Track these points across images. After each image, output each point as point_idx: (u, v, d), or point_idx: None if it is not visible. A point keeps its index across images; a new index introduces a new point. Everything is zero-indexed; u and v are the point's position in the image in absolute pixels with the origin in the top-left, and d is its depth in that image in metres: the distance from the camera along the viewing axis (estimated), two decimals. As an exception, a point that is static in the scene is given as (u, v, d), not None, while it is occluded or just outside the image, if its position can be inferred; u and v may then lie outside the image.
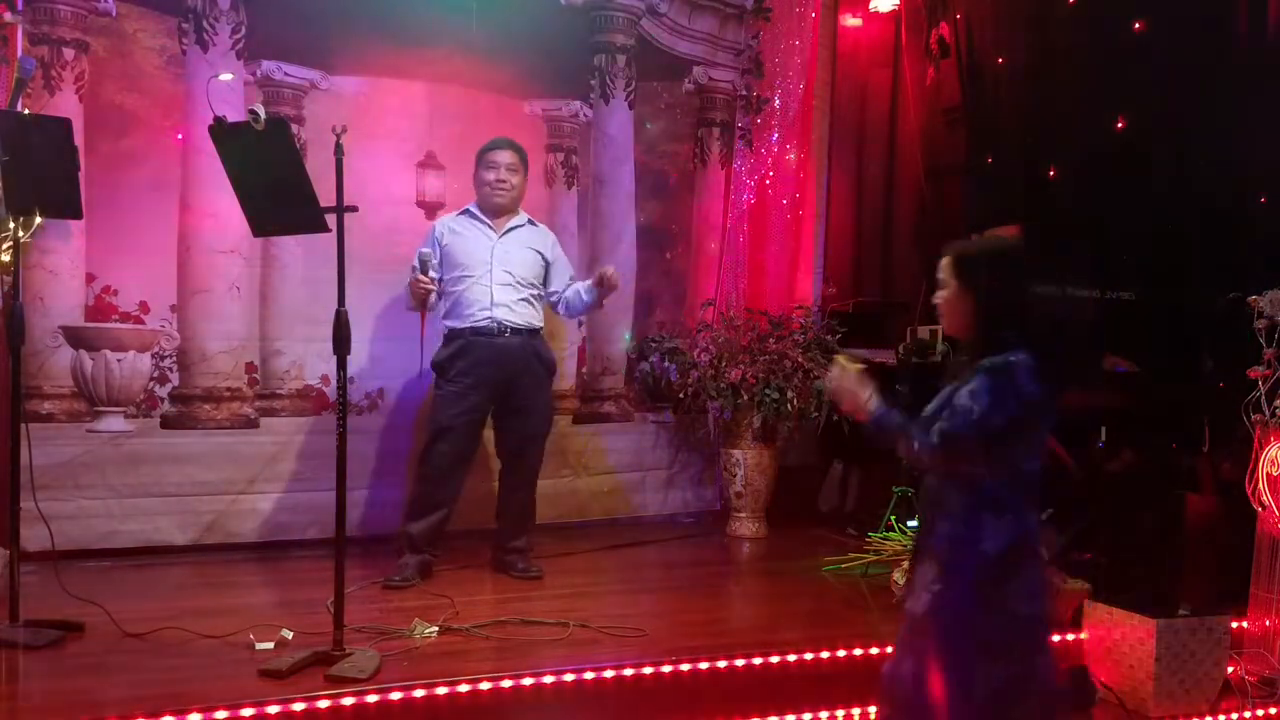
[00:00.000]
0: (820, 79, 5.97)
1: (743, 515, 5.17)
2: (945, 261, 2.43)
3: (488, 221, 4.27)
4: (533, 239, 4.33)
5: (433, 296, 4.14)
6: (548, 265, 4.34)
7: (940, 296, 2.45)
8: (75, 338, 4.32)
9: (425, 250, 4.12)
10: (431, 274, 4.08)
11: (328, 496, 3.20)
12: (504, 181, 4.25)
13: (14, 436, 3.30)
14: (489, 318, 4.15)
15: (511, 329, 4.17)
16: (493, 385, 4.16)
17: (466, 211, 4.33)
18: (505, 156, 4.27)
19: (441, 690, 2.88)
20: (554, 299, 4.39)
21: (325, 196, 3.11)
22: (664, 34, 5.52)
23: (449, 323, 4.21)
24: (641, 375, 5.40)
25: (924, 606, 2.33)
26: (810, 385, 4.97)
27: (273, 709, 2.72)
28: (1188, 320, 4.23)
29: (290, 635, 3.23)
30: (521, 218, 4.34)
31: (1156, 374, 4.35)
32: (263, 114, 3.05)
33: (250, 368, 4.64)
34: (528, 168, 4.36)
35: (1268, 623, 3.58)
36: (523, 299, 4.23)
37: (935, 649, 2.33)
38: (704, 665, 3.15)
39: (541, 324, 4.34)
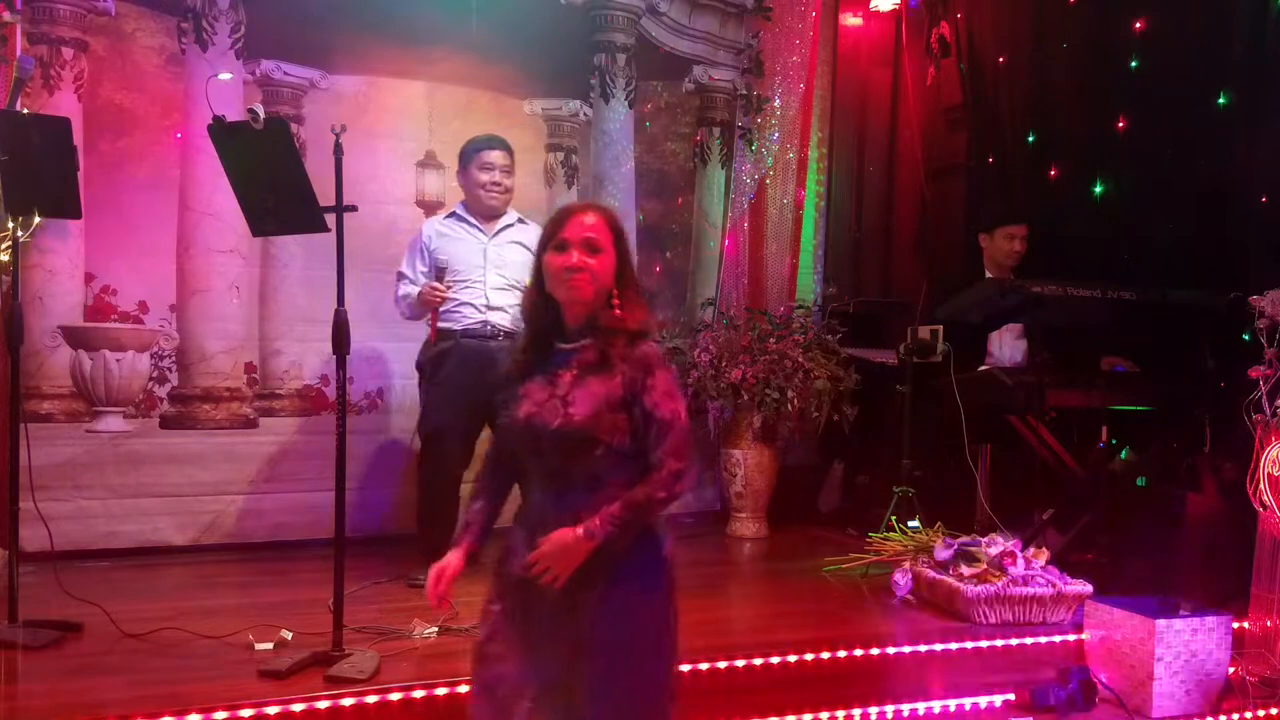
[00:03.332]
0: (821, 78, 5.97)
1: (743, 515, 5.16)
2: (595, 219, 2.13)
3: (477, 224, 4.18)
4: (523, 236, 4.21)
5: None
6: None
7: (585, 260, 2.09)
8: (74, 337, 4.31)
9: (443, 258, 4.03)
10: (447, 280, 4.00)
11: (327, 496, 3.19)
12: (499, 184, 4.15)
13: (13, 436, 3.30)
14: (482, 321, 4.08)
15: (504, 333, 4.08)
16: (484, 389, 4.05)
17: (454, 214, 4.24)
18: (501, 158, 4.16)
19: (441, 690, 2.88)
20: None
21: (324, 196, 3.10)
22: (664, 33, 5.52)
23: (440, 323, 4.10)
24: (641, 375, 5.38)
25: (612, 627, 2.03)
26: (810, 385, 4.96)
27: (272, 710, 2.71)
28: (1189, 320, 4.22)
29: (290, 636, 3.22)
30: (511, 216, 4.24)
31: (1157, 374, 4.34)
32: (262, 113, 3.05)
33: (249, 368, 4.64)
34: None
35: (1269, 623, 3.58)
36: (517, 303, 4.14)
37: (638, 669, 2.05)
38: (704, 665, 3.14)
39: None
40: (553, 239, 2.13)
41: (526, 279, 4.05)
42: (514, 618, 2.12)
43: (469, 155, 4.19)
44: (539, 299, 2.17)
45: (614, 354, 2.08)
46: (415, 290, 4.10)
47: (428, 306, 4.05)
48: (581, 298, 2.10)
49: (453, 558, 2.23)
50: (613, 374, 2.06)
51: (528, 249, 4.15)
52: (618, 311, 2.11)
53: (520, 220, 4.28)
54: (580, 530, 2.02)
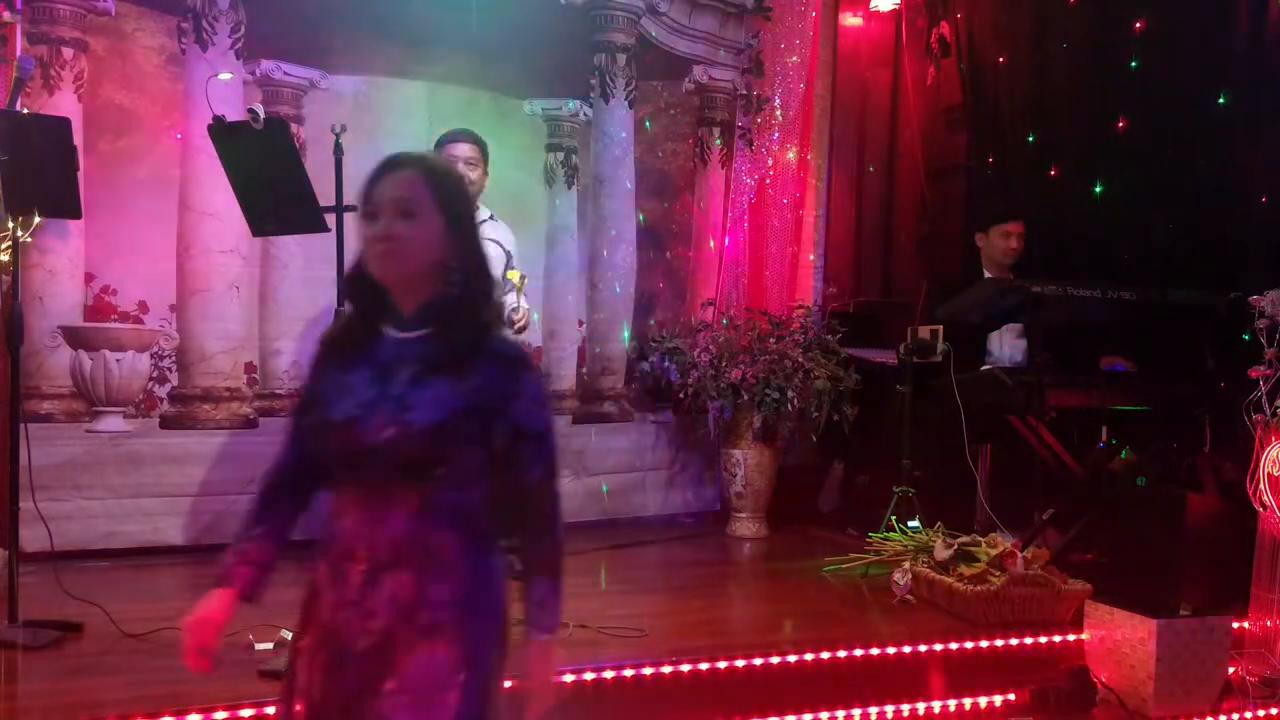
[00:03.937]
0: (820, 78, 5.97)
1: (743, 515, 5.16)
2: (410, 176, 1.73)
3: None
4: (496, 233, 4.18)
5: None
6: (509, 259, 4.19)
7: (395, 227, 1.70)
8: (74, 337, 4.31)
9: None
10: None
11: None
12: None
13: (13, 436, 3.30)
14: None
15: None
16: None
17: None
18: (464, 150, 4.10)
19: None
20: None
21: (324, 196, 3.11)
22: (664, 33, 5.52)
23: None
24: (641, 375, 5.39)
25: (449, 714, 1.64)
26: (810, 385, 4.96)
27: (272, 709, 2.71)
28: (1189, 320, 4.22)
29: (290, 635, 3.21)
30: (483, 213, 4.16)
31: (1157, 374, 4.34)
32: (262, 113, 3.06)
33: (249, 368, 4.64)
34: (488, 161, 4.20)
35: (1269, 623, 3.58)
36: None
37: None
38: (704, 665, 3.15)
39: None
40: (363, 203, 1.74)
41: (497, 274, 4.11)
42: (328, 671, 1.71)
43: (437, 148, 4.16)
44: (360, 275, 1.76)
45: (467, 348, 1.70)
46: None
47: None
48: (389, 273, 1.71)
49: (216, 604, 1.79)
50: (466, 374, 1.67)
51: (499, 245, 4.17)
52: (455, 292, 1.71)
53: (491, 217, 4.24)
54: (541, 638, 1.71)
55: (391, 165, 1.75)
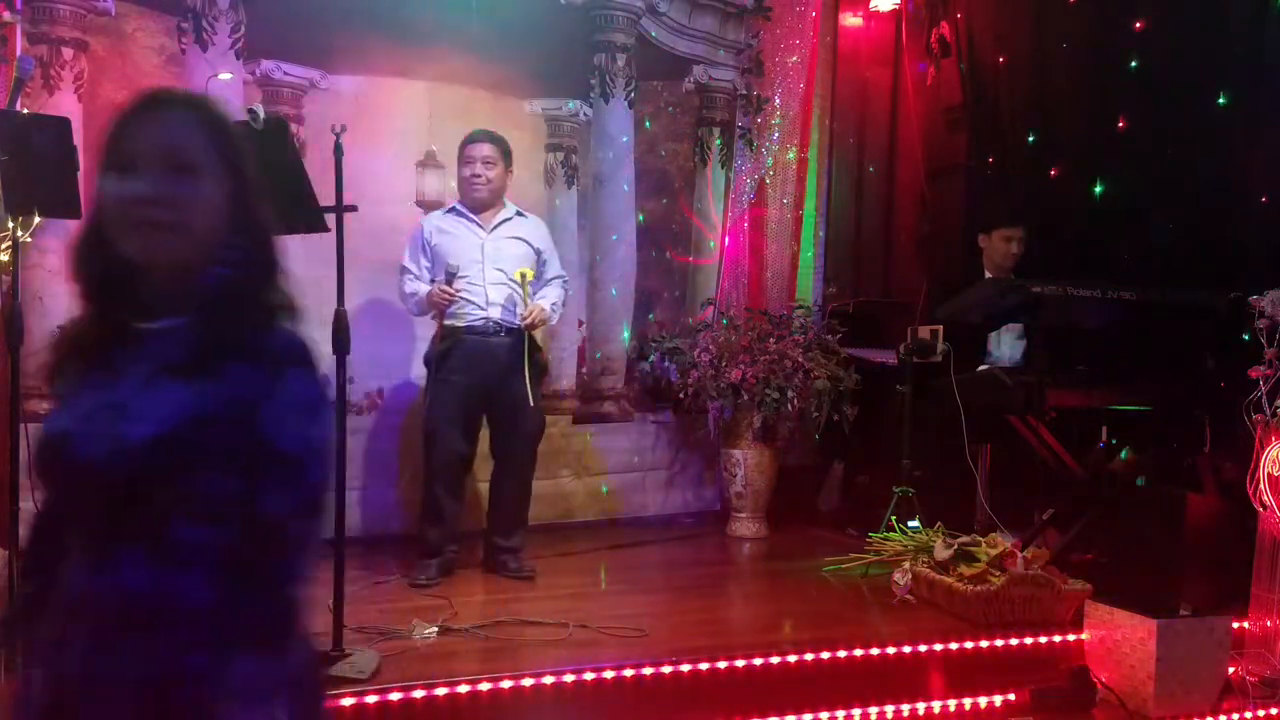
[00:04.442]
0: (820, 78, 5.97)
1: (743, 515, 5.16)
2: (182, 118, 1.36)
3: (475, 218, 4.21)
4: (522, 230, 4.26)
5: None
6: (539, 255, 4.26)
7: (168, 187, 1.32)
8: (74, 337, 4.31)
9: (454, 261, 4.06)
10: (457, 284, 4.04)
11: (327, 496, 3.19)
12: (479, 176, 4.18)
13: (13, 437, 3.30)
14: (483, 317, 4.11)
15: (506, 329, 4.12)
16: (484, 384, 4.10)
17: (453, 209, 4.27)
18: (481, 150, 4.20)
19: (441, 690, 2.88)
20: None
21: (324, 196, 3.11)
22: (664, 33, 5.52)
23: (444, 320, 4.17)
24: (641, 375, 5.39)
25: None
26: (810, 385, 4.96)
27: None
28: (1189, 320, 4.22)
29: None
30: (509, 209, 4.26)
31: (1157, 374, 4.34)
32: (262, 113, 3.05)
33: (249, 367, 4.63)
34: (510, 159, 4.27)
35: (1269, 623, 3.58)
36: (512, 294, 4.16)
37: None
38: (704, 665, 3.15)
39: None
40: (112, 153, 1.36)
41: (521, 271, 4.13)
42: None
43: (459, 150, 4.27)
44: (99, 249, 1.32)
45: (225, 342, 1.27)
46: (422, 288, 4.15)
47: (436, 308, 4.12)
48: (154, 248, 1.29)
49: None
50: (221, 375, 1.25)
51: (526, 242, 4.23)
52: (228, 272, 1.30)
53: (519, 214, 4.30)
54: None
55: (156, 103, 1.35)
